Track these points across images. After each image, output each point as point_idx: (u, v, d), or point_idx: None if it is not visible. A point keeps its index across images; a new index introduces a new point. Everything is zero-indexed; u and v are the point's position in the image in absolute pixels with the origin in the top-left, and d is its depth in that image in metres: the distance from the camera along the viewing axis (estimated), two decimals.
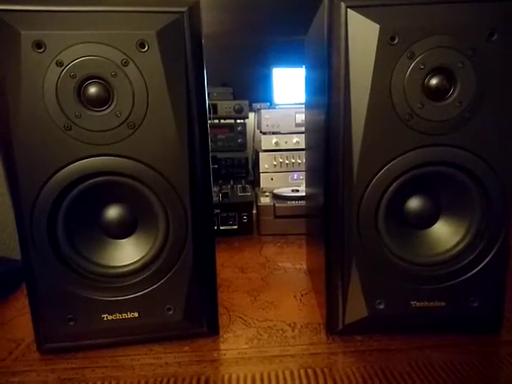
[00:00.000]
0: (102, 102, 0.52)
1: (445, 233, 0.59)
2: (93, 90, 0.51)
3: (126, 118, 0.52)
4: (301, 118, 1.35)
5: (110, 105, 0.52)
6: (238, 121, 1.42)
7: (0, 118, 0.51)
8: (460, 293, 0.58)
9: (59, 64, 0.50)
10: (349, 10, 0.52)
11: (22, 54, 0.49)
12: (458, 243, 0.58)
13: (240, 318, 0.69)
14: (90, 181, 0.54)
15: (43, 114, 0.51)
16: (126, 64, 0.51)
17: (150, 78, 0.52)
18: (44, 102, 0.50)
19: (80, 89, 0.51)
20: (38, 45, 0.49)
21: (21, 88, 0.50)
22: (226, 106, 1.39)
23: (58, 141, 0.52)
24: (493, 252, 0.57)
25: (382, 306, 0.59)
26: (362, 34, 0.52)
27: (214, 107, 1.38)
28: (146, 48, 0.51)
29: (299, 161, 1.36)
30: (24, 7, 0.49)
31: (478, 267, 0.58)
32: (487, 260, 0.57)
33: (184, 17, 0.52)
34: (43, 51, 0.49)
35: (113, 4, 0.51)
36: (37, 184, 0.52)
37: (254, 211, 1.22)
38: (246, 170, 1.39)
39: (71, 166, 0.53)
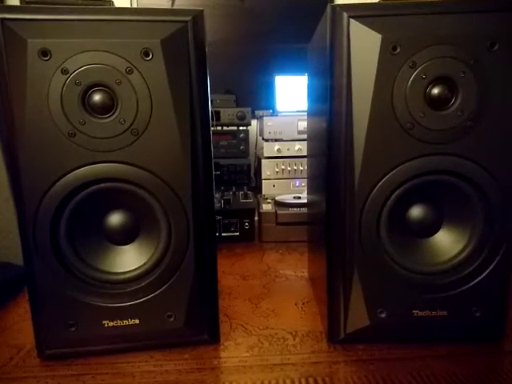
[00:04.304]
0: (106, 109, 0.52)
1: (447, 241, 0.59)
2: (97, 97, 0.52)
3: (130, 125, 0.53)
4: (303, 125, 1.35)
5: (114, 112, 0.53)
6: (241, 128, 1.43)
7: (5, 124, 0.51)
8: (462, 302, 0.58)
9: (64, 72, 0.50)
10: (351, 19, 0.52)
11: (28, 61, 0.49)
12: (460, 252, 0.58)
13: (241, 325, 0.69)
14: (93, 187, 0.54)
15: (48, 120, 0.51)
16: (130, 72, 0.52)
17: (153, 86, 0.52)
18: (49, 109, 0.51)
19: (84, 96, 0.52)
20: (44, 53, 0.50)
21: (26, 95, 0.50)
22: (228, 113, 1.40)
23: (62, 147, 0.52)
24: (495, 261, 0.57)
25: (383, 315, 0.59)
26: (364, 44, 0.53)
27: (217, 114, 1.39)
28: (151, 56, 0.52)
29: (301, 168, 1.36)
30: (31, 16, 0.49)
31: (481, 276, 0.57)
32: (490, 269, 0.57)
33: (188, 26, 0.53)
34: (49, 59, 0.50)
35: (118, 13, 0.52)
36: (40, 190, 0.53)
37: (256, 218, 1.22)
38: (248, 176, 1.40)
39: (75, 172, 0.53)
